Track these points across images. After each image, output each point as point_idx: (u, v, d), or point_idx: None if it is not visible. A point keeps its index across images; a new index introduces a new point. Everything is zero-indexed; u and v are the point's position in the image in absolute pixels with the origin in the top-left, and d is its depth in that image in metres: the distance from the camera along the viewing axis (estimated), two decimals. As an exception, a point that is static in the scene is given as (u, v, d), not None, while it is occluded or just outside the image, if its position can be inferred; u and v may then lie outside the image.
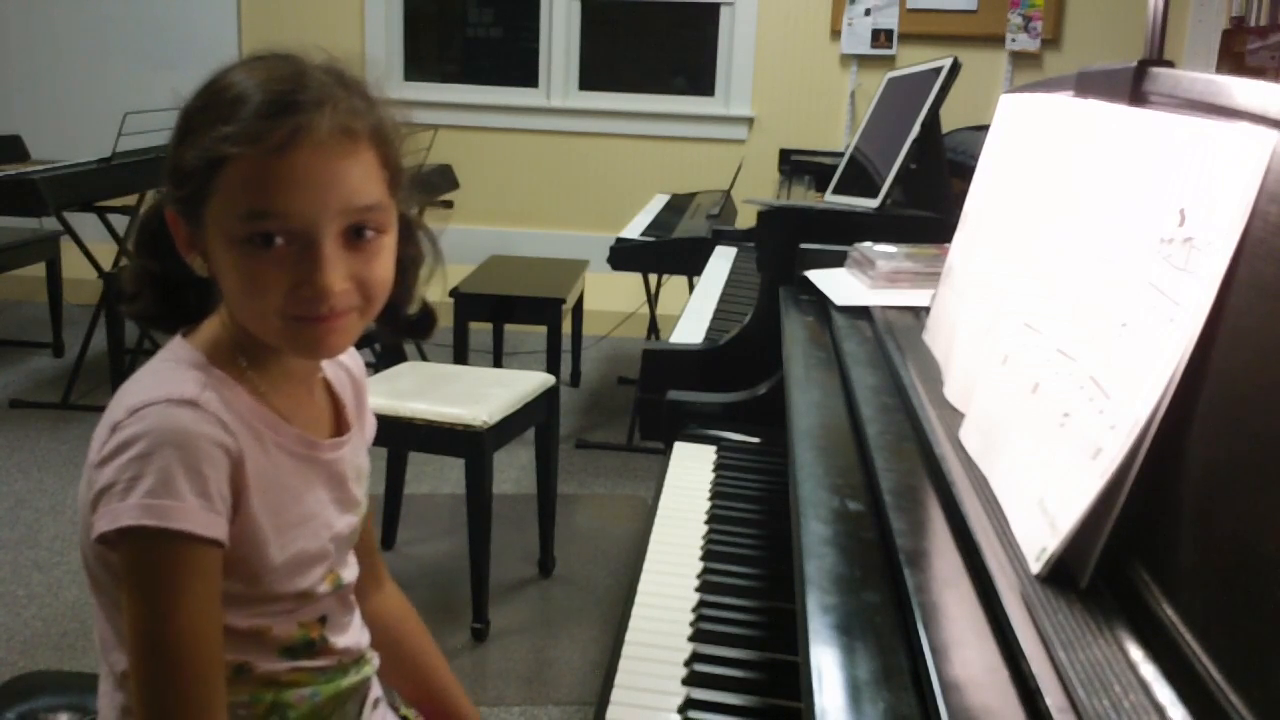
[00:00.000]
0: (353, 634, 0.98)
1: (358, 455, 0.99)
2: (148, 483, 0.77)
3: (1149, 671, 0.56)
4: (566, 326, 3.53)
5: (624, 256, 3.27)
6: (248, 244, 0.80)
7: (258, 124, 0.79)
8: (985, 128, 1.23)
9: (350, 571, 0.98)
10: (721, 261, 2.77)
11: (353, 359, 1.04)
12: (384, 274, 0.86)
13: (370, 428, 1.05)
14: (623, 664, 0.99)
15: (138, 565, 0.79)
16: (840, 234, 1.60)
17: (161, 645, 0.79)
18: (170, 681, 0.79)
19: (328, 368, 0.99)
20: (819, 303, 1.44)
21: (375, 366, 2.54)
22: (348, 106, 0.82)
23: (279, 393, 0.89)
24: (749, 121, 4.73)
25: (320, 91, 0.81)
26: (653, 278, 3.93)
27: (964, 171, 1.43)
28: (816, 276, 1.50)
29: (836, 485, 0.91)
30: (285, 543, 0.87)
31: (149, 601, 0.79)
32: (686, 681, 0.96)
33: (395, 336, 0.97)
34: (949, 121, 2.00)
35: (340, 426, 0.99)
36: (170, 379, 0.83)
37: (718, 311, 2.25)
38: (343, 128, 0.81)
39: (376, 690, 1.04)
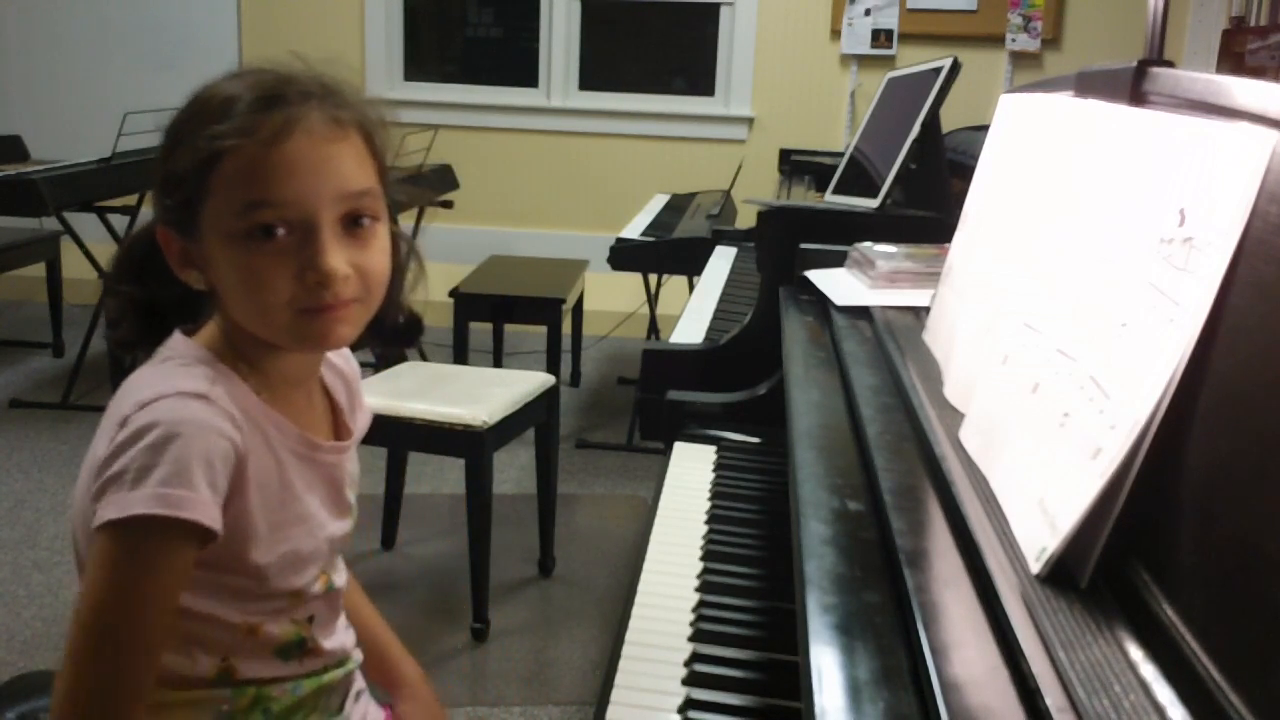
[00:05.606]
0: (338, 636, 0.99)
1: (353, 462, 1.01)
2: (161, 472, 0.77)
3: (1149, 671, 0.56)
4: (566, 326, 3.53)
5: (624, 256, 3.27)
6: (248, 239, 0.82)
7: (250, 118, 0.81)
8: (985, 128, 1.23)
9: (340, 576, 0.99)
10: (721, 261, 2.77)
11: (344, 358, 1.04)
12: (382, 262, 0.88)
13: (364, 422, 1.05)
14: (623, 664, 0.99)
15: (128, 550, 0.79)
16: (840, 234, 1.59)
17: (116, 624, 0.79)
18: (111, 660, 0.79)
19: (324, 372, 1.00)
20: (819, 303, 1.44)
21: (375, 367, 2.55)
22: (333, 100, 0.86)
23: (278, 397, 0.91)
24: (749, 121, 4.72)
25: (306, 86, 0.85)
26: (653, 278, 3.93)
27: (964, 171, 1.42)
28: (816, 276, 1.50)
29: (836, 485, 0.91)
30: (277, 540, 0.88)
31: (121, 582, 0.79)
32: (686, 681, 0.96)
33: (383, 345, 0.99)
34: (949, 121, 2.00)
35: (338, 431, 1.00)
36: (179, 374, 0.84)
37: (718, 311, 2.25)
38: (331, 117, 0.85)
39: (359, 683, 1.05)
